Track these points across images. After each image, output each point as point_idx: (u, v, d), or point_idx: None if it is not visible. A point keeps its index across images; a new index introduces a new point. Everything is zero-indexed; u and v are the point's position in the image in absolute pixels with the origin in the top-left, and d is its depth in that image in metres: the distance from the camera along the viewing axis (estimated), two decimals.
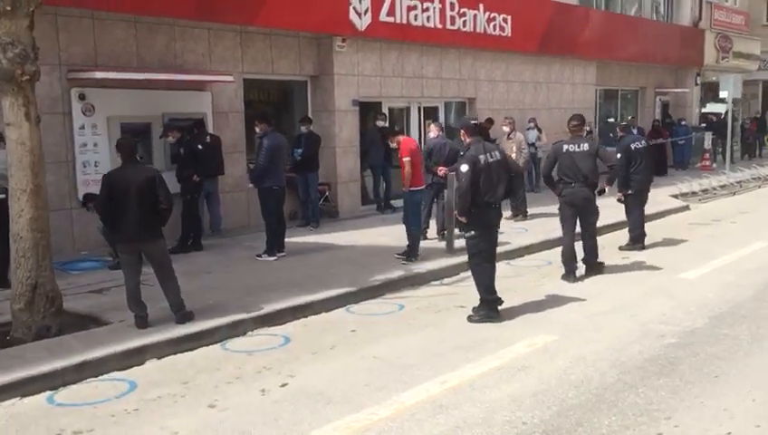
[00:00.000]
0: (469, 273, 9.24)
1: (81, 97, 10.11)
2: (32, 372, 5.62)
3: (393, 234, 11.63)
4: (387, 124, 13.88)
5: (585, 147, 8.75)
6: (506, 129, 12.87)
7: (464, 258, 9.66)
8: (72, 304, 7.51)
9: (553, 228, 10.20)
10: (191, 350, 6.50)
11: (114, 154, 10.02)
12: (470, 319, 7.24)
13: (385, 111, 14.42)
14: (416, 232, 9.52)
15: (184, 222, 10.24)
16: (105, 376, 5.91)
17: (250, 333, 6.98)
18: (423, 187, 9.67)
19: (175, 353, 6.40)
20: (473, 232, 7.25)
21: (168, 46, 11.09)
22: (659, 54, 22.31)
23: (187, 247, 10.26)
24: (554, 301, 7.91)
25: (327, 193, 13.27)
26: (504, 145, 12.76)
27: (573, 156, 8.72)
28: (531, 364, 5.83)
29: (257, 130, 10.01)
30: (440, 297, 8.14)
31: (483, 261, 7.33)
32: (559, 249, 9.24)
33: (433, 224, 11.01)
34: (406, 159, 9.38)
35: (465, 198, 7.13)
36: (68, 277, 8.82)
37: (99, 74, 9.90)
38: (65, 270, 9.09)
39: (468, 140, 7.30)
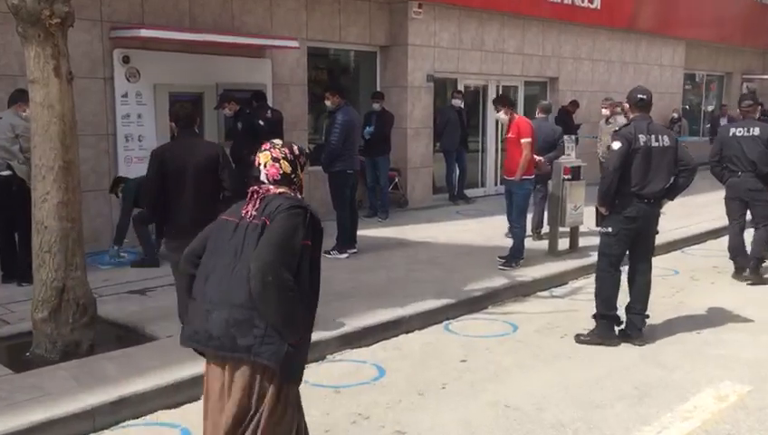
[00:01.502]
0: (582, 283, 7.76)
1: (125, 60, 8.67)
2: (52, 414, 4.17)
3: (475, 229, 10.07)
4: (463, 104, 12.26)
5: (756, 131, 7.12)
6: (605, 112, 11.13)
7: (572, 263, 8.13)
8: (109, 308, 6.10)
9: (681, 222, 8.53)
10: None
11: (161, 128, 8.69)
12: (579, 339, 5.74)
13: (461, 88, 12.78)
14: (520, 232, 7.90)
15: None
16: (148, 418, 4.46)
17: (331, 357, 5.48)
18: (533, 176, 8.02)
19: None
20: (609, 229, 5.67)
21: (224, 5, 9.59)
22: (750, 36, 20.23)
23: None
24: (715, 318, 6.31)
25: (396, 180, 11.71)
26: (602, 131, 11.12)
27: (741, 141, 7.28)
28: (739, 433, 4.21)
29: (328, 103, 8.46)
30: (558, 315, 6.54)
31: (610, 267, 5.75)
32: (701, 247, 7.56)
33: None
34: (526, 140, 7.74)
35: (607, 182, 5.56)
36: (103, 273, 7.42)
37: (145, 32, 8.43)
38: (99, 265, 7.69)
39: (631, 116, 5.70)
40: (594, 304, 5.83)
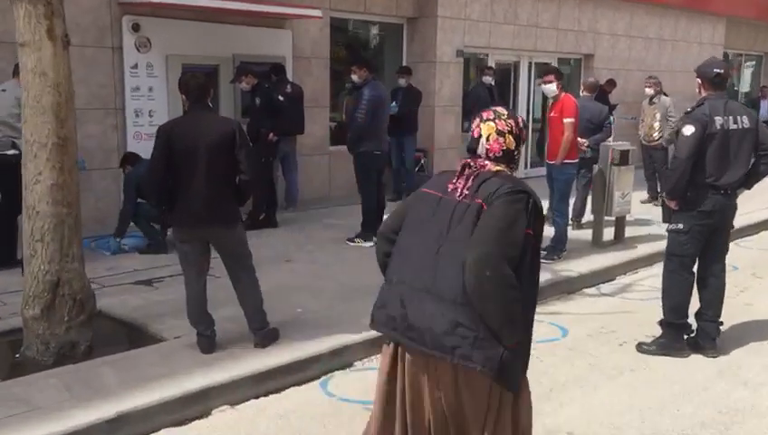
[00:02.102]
0: (631, 278, 7.06)
1: (135, 28, 7.99)
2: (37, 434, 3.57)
3: None
4: (493, 82, 11.50)
5: None
6: (649, 91, 10.33)
7: (620, 256, 7.42)
8: (110, 301, 5.49)
9: None
10: (278, 391, 4.39)
11: (173, 102, 8.00)
12: (641, 348, 5.06)
13: (491, 64, 12.01)
14: (562, 221, 7.19)
15: (256, 191, 8.12)
16: None
17: (359, 364, 4.84)
18: (577, 160, 7.28)
19: (256, 397, 4.29)
20: (680, 225, 4.96)
21: None
22: None
23: (258, 223, 8.17)
24: None
25: (422, 161, 11.00)
26: (645, 111, 10.36)
27: None
28: None
29: (354, 77, 7.76)
30: (611, 317, 5.85)
31: (682, 269, 5.04)
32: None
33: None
34: (569, 120, 7.00)
35: (678, 173, 4.84)
36: (108, 260, 6.81)
37: None
38: (104, 251, 7.07)
39: (704, 94, 4.93)
40: (653, 305, 5.14)
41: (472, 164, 2.67)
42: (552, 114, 7.27)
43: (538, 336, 5.36)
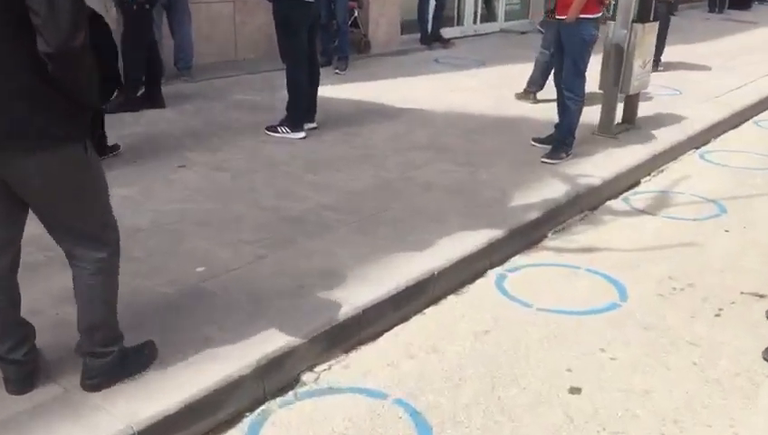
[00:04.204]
0: (662, 182, 5.17)
1: None
2: None
3: (472, 88, 7.29)
4: None
5: None
6: None
7: (639, 151, 5.47)
8: None
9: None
10: None
11: None
12: None
13: None
14: (575, 107, 5.07)
15: (127, 54, 5.59)
16: None
17: (312, 379, 2.77)
18: (600, 14, 5.05)
19: None
20: None
21: None
22: None
23: (134, 101, 5.72)
24: None
25: (356, 13, 8.52)
26: None
27: None
28: None
29: None
30: (674, 257, 3.93)
31: None
32: None
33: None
34: None
35: None
36: None
37: None
38: None
39: None
40: (716, 229, 3.21)
41: None
42: None
43: (582, 298, 3.47)
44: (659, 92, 7.19)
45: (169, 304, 2.95)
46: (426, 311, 3.31)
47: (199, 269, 3.25)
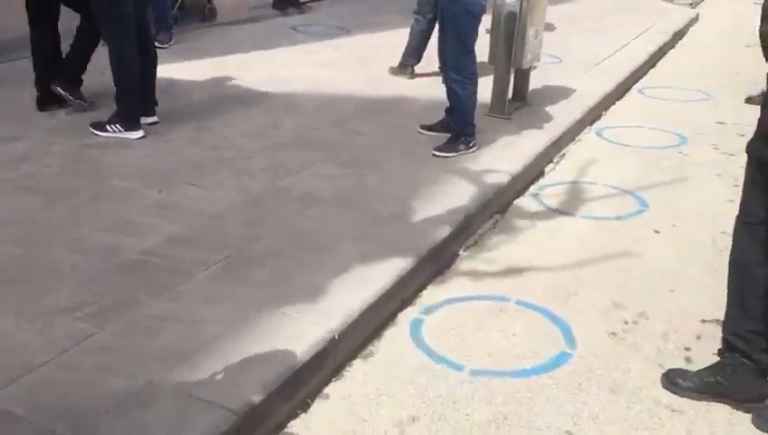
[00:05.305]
0: (569, 171, 4.51)
1: None
2: None
3: (337, 62, 6.35)
4: None
5: None
6: None
7: (536, 136, 4.79)
8: None
9: None
10: None
11: None
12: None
13: None
14: (464, 92, 4.21)
15: None
16: None
17: None
18: None
19: None
20: None
21: None
22: None
23: None
24: None
25: None
26: None
27: None
28: None
29: None
30: (612, 274, 3.30)
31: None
32: None
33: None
34: None
35: None
36: None
37: None
38: None
39: None
40: (641, 227, 2.60)
41: None
42: None
43: (529, 353, 2.65)
44: (540, 60, 6.61)
45: None
46: (328, 391, 2.43)
47: None
